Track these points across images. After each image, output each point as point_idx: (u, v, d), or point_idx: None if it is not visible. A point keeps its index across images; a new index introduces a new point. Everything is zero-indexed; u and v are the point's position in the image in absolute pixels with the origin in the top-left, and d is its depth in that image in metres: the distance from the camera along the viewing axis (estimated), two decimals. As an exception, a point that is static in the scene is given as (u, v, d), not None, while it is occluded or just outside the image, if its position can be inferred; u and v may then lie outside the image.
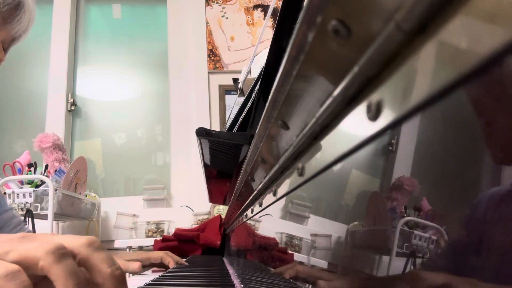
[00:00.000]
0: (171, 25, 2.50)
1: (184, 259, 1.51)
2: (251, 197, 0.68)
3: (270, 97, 0.33)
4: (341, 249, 0.33)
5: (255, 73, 1.13)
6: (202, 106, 2.36)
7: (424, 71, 0.16)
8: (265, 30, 1.08)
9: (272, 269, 0.56)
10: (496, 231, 0.15)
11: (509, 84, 0.13)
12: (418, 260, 0.21)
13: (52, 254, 0.31)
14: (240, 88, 1.14)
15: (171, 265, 1.05)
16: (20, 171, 1.75)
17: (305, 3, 0.21)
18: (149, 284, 0.68)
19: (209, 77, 2.41)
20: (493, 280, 0.15)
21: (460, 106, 0.16)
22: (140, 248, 2.05)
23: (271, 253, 0.59)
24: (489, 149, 0.15)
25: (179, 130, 2.36)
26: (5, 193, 1.67)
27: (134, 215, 2.07)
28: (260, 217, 0.67)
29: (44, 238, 0.34)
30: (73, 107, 2.42)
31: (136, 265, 0.95)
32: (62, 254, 0.32)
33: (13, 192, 1.66)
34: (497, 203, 0.15)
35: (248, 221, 0.80)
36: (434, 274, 0.19)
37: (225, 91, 2.38)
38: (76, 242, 0.34)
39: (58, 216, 1.77)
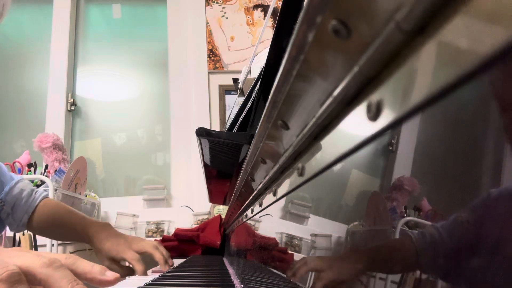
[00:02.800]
0: (171, 25, 2.50)
1: (184, 259, 1.51)
2: (251, 197, 0.68)
3: (270, 97, 0.33)
4: (341, 249, 0.33)
5: (255, 73, 1.13)
6: (202, 106, 2.36)
7: (424, 71, 0.16)
8: (265, 30, 1.08)
9: (273, 269, 0.56)
10: (497, 231, 0.15)
11: (509, 84, 0.13)
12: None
13: (4, 284, 0.32)
14: (240, 88, 1.14)
15: (160, 261, 0.99)
16: (20, 171, 1.76)
17: (305, 3, 0.21)
18: (149, 284, 0.68)
19: (209, 77, 2.41)
20: (494, 280, 0.15)
21: (460, 106, 0.16)
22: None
23: (271, 253, 0.59)
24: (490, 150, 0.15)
25: (179, 130, 2.36)
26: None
27: (134, 215, 2.07)
28: (260, 217, 0.67)
29: (4, 259, 0.35)
30: (73, 107, 2.42)
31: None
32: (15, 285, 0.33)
33: (13, 192, 1.65)
34: (498, 203, 0.15)
35: (248, 221, 0.80)
36: (433, 274, 0.19)
37: (225, 91, 2.38)
38: (35, 263, 0.36)
39: (58, 216, 1.77)
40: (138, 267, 0.91)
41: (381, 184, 0.27)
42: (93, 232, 0.95)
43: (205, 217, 2.05)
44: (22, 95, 2.48)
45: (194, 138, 0.72)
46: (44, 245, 1.79)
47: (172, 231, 1.97)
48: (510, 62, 0.12)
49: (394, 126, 0.19)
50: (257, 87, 0.72)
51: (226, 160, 0.82)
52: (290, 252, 0.49)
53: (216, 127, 2.33)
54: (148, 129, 2.49)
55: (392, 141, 0.23)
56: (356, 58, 0.20)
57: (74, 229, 0.97)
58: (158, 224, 2.07)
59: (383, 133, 0.20)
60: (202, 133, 0.69)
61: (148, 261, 1.00)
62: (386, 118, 0.19)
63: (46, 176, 1.73)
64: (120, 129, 2.47)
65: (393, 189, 0.23)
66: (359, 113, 0.22)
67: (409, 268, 0.21)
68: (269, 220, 0.60)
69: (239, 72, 1.50)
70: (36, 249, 1.80)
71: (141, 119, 2.50)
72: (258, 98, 0.67)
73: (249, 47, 2.44)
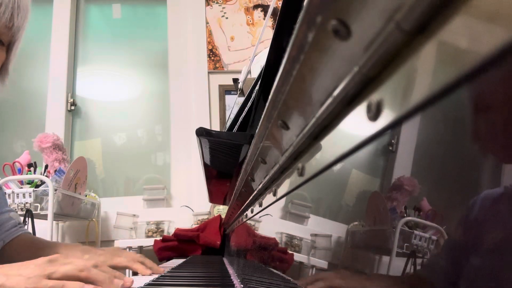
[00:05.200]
0: (171, 25, 2.50)
1: (184, 259, 1.51)
2: (251, 197, 0.68)
3: (270, 97, 0.33)
4: (341, 249, 0.33)
5: (255, 73, 1.13)
6: (202, 106, 2.36)
7: (424, 71, 0.16)
8: (265, 30, 1.08)
9: (273, 269, 0.56)
10: (497, 231, 0.15)
11: (509, 84, 0.13)
12: (418, 260, 0.21)
13: None
14: (240, 88, 1.14)
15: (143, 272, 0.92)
16: (20, 171, 1.75)
17: (305, 3, 0.21)
18: (149, 284, 0.68)
19: (209, 77, 2.41)
20: (494, 280, 0.15)
21: (460, 106, 0.16)
22: (140, 248, 2.05)
23: (271, 253, 0.59)
24: (490, 151, 0.15)
25: (179, 130, 2.36)
26: (5, 193, 1.67)
27: (134, 215, 2.07)
28: (260, 217, 0.67)
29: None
30: (73, 107, 2.42)
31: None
32: None
33: (13, 192, 1.66)
34: (498, 203, 0.15)
35: (248, 221, 0.80)
36: (434, 275, 0.19)
37: (225, 91, 2.38)
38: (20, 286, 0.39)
39: (58, 216, 1.77)
40: (137, 266, 0.89)
41: (381, 184, 0.27)
42: (75, 246, 0.96)
43: (205, 217, 2.05)
44: (22, 95, 2.48)
45: (194, 138, 0.72)
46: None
47: (172, 231, 1.97)
48: (510, 62, 0.12)
49: (394, 126, 0.19)
50: (257, 87, 0.72)
51: (226, 160, 0.82)
52: (290, 252, 0.49)
53: (216, 127, 2.33)
54: (148, 129, 2.49)
55: (392, 141, 0.23)
56: (356, 58, 0.20)
57: (57, 250, 0.95)
58: (158, 224, 2.07)
59: (383, 133, 0.20)
60: (202, 133, 0.69)
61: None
62: (386, 118, 0.19)
63: (46, 176, 1.72)
64: (120, 129, 2.47)
65: (393, 189, 0.23)
66: (359, 113, 0.22)
67: None
68: (269, 220, 0.60)
69: (239, 72, 1.50)
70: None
71: (141, 119, 2.50)
72: (258, 98, 0.67)
73: (249, 47, 2.44)
